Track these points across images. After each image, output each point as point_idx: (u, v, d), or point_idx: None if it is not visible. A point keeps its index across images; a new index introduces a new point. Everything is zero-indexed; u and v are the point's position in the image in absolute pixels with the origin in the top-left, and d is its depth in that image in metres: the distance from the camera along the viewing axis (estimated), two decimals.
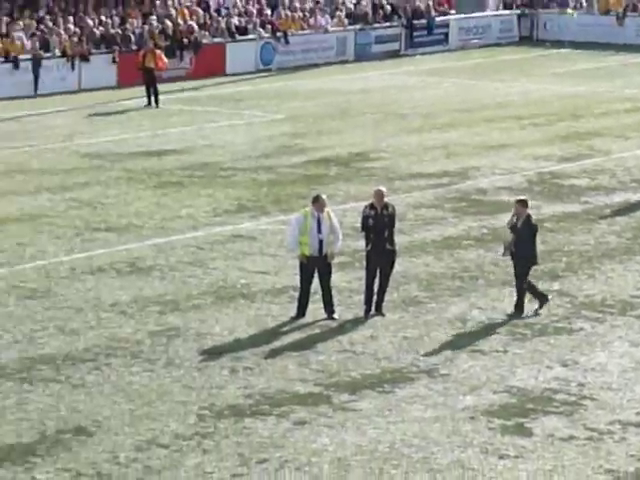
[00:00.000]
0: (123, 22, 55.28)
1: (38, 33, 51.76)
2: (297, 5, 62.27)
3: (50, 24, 52.79)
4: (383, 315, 24.36)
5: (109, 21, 54.42)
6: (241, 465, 17.62)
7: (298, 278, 24.50)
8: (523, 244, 24.29)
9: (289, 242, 24.86)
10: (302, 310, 24.24)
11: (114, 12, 56.56)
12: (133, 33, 54.18)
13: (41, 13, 54.56)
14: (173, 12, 56.92)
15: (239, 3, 61.16)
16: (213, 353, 22.43)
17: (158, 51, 49.65)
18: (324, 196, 24.36)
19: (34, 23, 52.71)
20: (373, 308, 24.42)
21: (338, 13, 62.94)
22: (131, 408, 19.86)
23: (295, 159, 39.35)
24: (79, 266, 27.81)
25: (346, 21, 62.82)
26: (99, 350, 22.53)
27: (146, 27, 54.54)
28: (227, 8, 60.09)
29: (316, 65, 60.33)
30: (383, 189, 24.74)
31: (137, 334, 23.48)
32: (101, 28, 53.85)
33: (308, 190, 32.58)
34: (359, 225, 24.78)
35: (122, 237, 30.26)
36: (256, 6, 61.43)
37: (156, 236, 30.35)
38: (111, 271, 27.51)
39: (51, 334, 23.38)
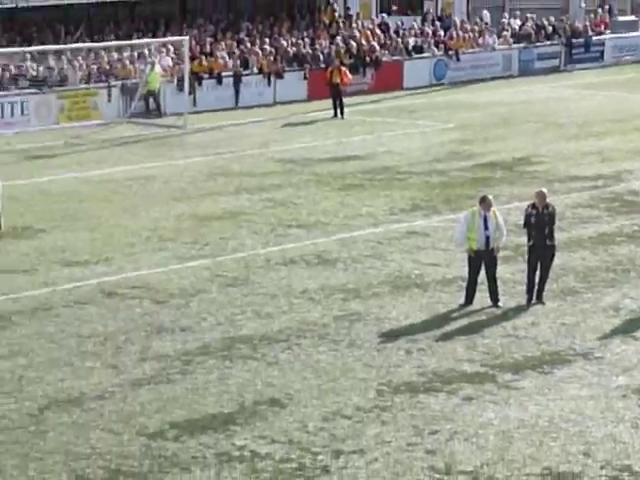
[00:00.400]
0: (313, 43, 55.48)
1: (238, 52, 52.21)
2: (467, 27, 62.01)
3: (249, 45, 53.19)
4: (543, 303, 24.20)
5: (300, 42, 54.57)
6: (415, 435, 17.70)
7: (466, 270, 24.45)
8: None
9: (458, 238, 24.80)
10: (470, 298, 24.17)
11: (305, 34, 56.82)
12: (322, 52, 54.31)
13: (241, 35, 55.05)
14: (357, 34, 56.97)
15: (415, 25, 61.16)
16: (390, 336, 22.48)
17: (343, 68, 49.91)
18: (490, 197, 24.33)
19: (235, 44, 53.20)
20: (534, 297, 24.31)
21: (504, 33, 62.50)
22: (318, 383, 20.01)
23: (464, 163, 39.17)
24: (273, 258, 28.02)
25: (511, 40, 62.37)
26: (290, 332, 22.73)
27: (333, 47, 54.73)
28: (404, 29, 60.09)
29: (483, 80, 59.83)
30: (544, 190, 24.61)
31: (324, 318, 23.59)
32: (294, 48, 54.10)
33: (475, 191, 32.39)
34: (522, 223, 24.68)
35: (311, 233, 30.41)
36: (431, 28, 61.33)
37: (340, 232, 30.45)
38: (301, 262, 27.69)
39: (249, 317, 23.61)
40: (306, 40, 55.91)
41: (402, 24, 61.38)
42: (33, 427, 18.40)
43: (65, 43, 48.67)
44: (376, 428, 18.03)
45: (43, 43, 48.18)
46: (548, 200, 24.34)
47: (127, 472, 16.86)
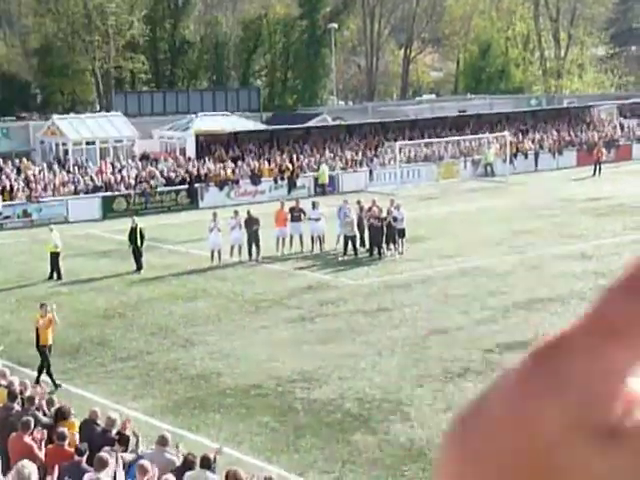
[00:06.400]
0: (583, 134, 52.78)
1: (539, 138, 50.39)
2: None
3: (538, 134, 51.07)
4: None
5: (573, 135, 52.24)
6: None
7: None
8: None
9: None
10: None
11: (578, 129, 54.06)
12: (586, 141, 51.69)
13: (536, 133, 52.72)
14: (609, 130, 54.07)
15: None
16: None
17: (602, 148, 47.67)
18: None
19: (537, 136, 51.36)
20: None
21: None
22: None
23: None
24: (557, 254, 26.67)
25: None
26: (564, 294, 21.74)
27: (595, 137, 52.01)
28: (633, 126, 56.28)
29: None
30: None
31: (584, 287, 22.40)
32: (569, 137, 51.73)
33: None
34: None
35: (577, 240, 28.91)
36: None
37: (594, 240, 28.69)
38: (570, 257, 26.20)
39: (534, 286, 22.80)
40: (578, 133, 53.36)
41: (632, 124, 57.74)
42: (421, 344, 18.54)
43: (441, 136, 48.67)
44: None
45: (437, 136, 48.29)
46: None
47: (471, 369, 16.70)
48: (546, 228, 31.35)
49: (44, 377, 16.63)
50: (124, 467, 10.14)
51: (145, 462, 9.68)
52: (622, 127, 56.47)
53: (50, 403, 12.38)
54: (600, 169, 46.26)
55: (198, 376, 16.87)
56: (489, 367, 16.57)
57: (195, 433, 14.22)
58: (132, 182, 37.79)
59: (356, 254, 27.00)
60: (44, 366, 16.58)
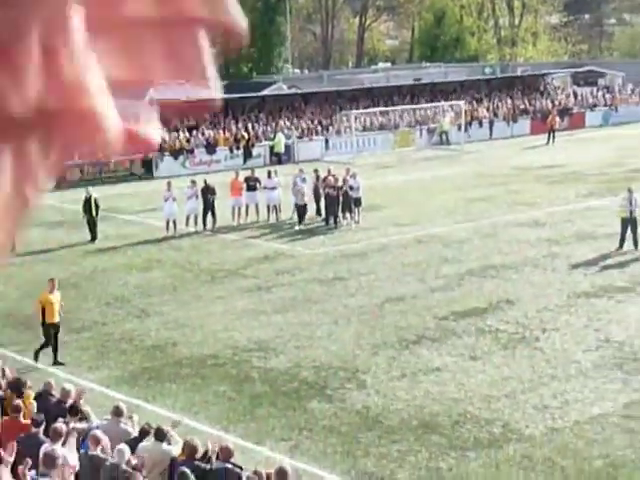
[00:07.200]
0: (531, 103, 53.03)
1: (493, 107, 50.62)
2: (623, 91, 58.15)
3: (496, 101, 51.29)
4: None
5: (526, 102, 52.40)
6: (589, 320, 16.90)
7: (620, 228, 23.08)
8: None
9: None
10: (621, 244, 22.77)
11: (529, 97, 54.25)
12: (540, 109, 52.03)
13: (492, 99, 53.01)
14: (562, 98, 54.48)
15: (593, 92, 57.66)
16: (577, 265, 21.47)
17: (556, 116, 47.94)
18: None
19: (491, 105, 51.52)
20: None
21: None
22: (534, 291, 19.34)
23: (619, 169, 36.74)
24: (510, 222, 26.84)
25: None
26: (517, 262, 21.94)
27: (549, 105, 52.39)
28: (586, 94, 56.72)
29: (630, 122, 56.02)
30: None
31: (538, 254, 22.73)
32: (523, 105, 51.96)
33: (626, 185, 30.56)
34: None
35: (531, 208, 29.14)
36: (601, 93, 57.78)
37: (547, 207, 29.03)
38: (524, 225, 26.40)
39: (491, 254, 23.02)
40: (532, 101, 53.76)
41: (585, 93, 58.27)
42: (376, 312, 18.62)
43: (397, 105, 48.66)
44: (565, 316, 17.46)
45: (393, 105, 48.23)
46: None
47: (426, 336, 16.88)
48: (500, 196, 31.59)
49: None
50: (78, 437, 10.08)
51: (98, 432, 9.63)
52: (575, 95, 56.95)
53: (2, 375, 12.23)
54: (554, 137, 46.69)
55: (154, 346, 16.80)
56: (444, 334, 16.74)
57: (151, 403, 14.17)
58: None
59: (300, 222, 26.83)
60: (48, 344, 15.91)
